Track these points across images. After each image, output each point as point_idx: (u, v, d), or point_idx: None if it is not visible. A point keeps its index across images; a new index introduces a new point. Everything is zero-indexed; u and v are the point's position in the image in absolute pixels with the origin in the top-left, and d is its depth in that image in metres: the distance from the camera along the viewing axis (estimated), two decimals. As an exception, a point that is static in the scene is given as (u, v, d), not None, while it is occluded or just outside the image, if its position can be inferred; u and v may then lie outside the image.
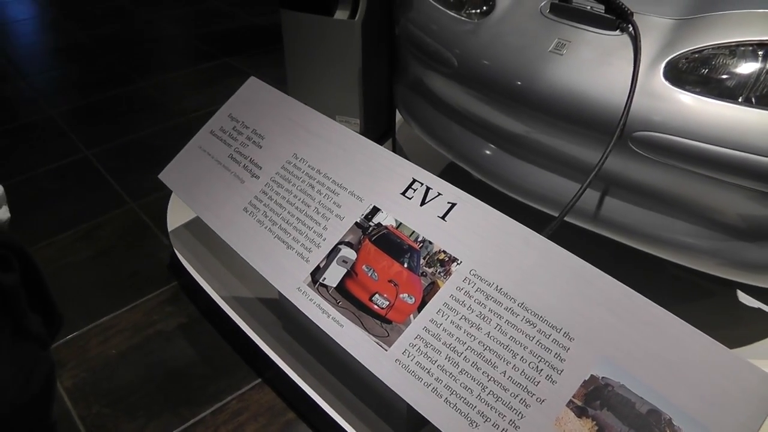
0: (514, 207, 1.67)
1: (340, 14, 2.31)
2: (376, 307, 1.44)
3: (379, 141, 2.57)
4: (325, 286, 1.52)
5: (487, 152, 1.83)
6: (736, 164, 1.46)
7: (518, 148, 1.76)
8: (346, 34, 2.32)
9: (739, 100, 1.48)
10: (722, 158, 1.46)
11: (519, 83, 1.66)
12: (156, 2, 4.81)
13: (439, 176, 1.58)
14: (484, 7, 1.89)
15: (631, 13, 1.61)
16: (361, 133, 2.49)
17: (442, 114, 1.97)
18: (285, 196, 1.75)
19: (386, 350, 1.37)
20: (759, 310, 1.96)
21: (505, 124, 1.74)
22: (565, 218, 1.69)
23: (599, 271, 1.34)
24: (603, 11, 1.65)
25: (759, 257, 1.59)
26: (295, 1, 2.38)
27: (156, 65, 3.85)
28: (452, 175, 1.98)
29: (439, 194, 1.54)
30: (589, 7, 1.68)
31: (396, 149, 2.42)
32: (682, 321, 1.28)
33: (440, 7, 1.98)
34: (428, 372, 1.32)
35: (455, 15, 1.92)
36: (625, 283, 1.32)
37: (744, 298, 1.99)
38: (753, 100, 1.48)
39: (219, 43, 4.10)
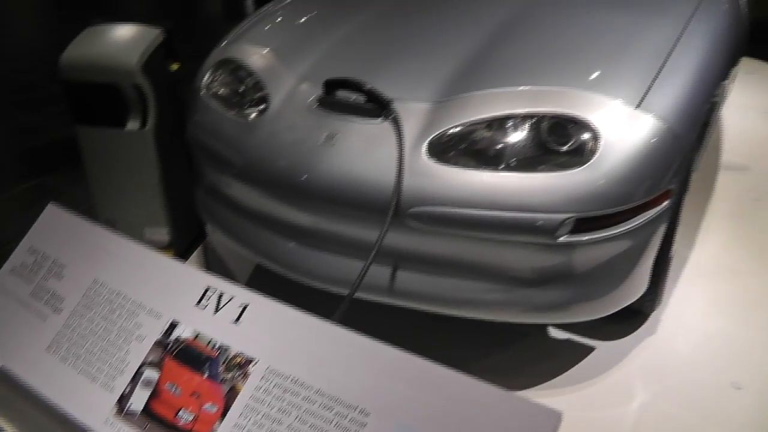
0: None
1: (132, 125, 2.41)
2: (182, 422, 1.51)
3: (192, 247, 2.68)
4: (132, 413, 1.58)
5: (283, 246, 1.96)
6: (505, 224, 1.68)
7: (310, 239, 1.91)
8: (140, 145, 2.41)
9: (501, 167, 1.73)
10: (492, 220, 1.68)
11: (296, 178, 1.82)
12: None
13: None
14: (260, 106, 2.07)
15: (390, 102, 1.84)
16: (170, 243, 2.59)
17: (236, 214, 2.10)
18: (87, 326, 1.80)
19: (195, 465, 1.45)
20: (568, 340, 2.21)
21: (291, 218, 1.89)
22: (367, 297, 1.86)
23: (387, 345, 1.49)
24: (365, 102, 1.87)
25: (547, 299, 1.82)
26: (88, 116, 2.46)
27: (-36, 196, 3.76)
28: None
29: (232, 298, 1.66)
30: (353, 99, 1.89)
31: (207, 254, 2.53)
32: (465, 375, 1.44)
33: (219, 108, 2.15)
34: (237, 479, 1.41)
35: (233, 116, 2.09)
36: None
37: (554, 332, 2.24)
38: (512, 165, 1.73)
39: (33, 161, 4.06)
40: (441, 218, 1.70)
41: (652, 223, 1.83)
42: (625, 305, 1.97)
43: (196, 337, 1.63)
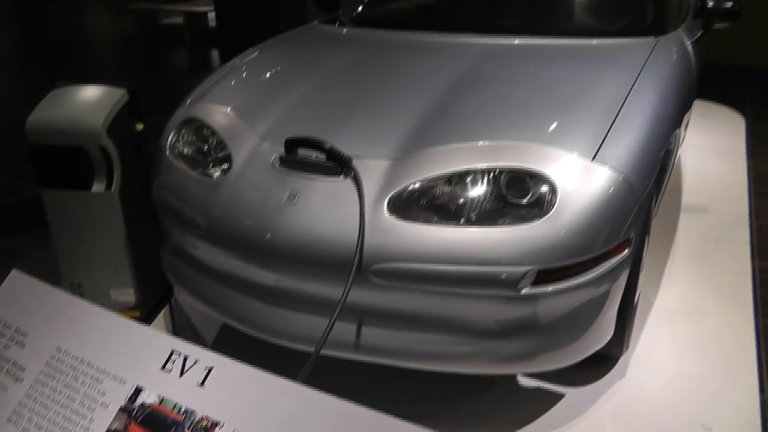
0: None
1: (98, 187, 2.40)
2: (147, 492, 1.49)
3: (158, 308, 2.66)
4: (95, 484, 1.54)
5: (248, 306, 1.95)
6: (468, 278, 1.70)
7: (275, 297, 1.90)
8: (106, 206, 2.40)
9: (462, 221, 1.75)
10: (454, 275, 1.70)
11: (260, 237, 1.83)
12: None
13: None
14: (224, 165, 2.08)
15: (350, 159, 1.86)
16: (136, 304, 2.57)
17: (203, 275, 2.09)
18: (50, 395, 1.77)
19: None
20: (538, 388, 2.21)
21: (256, 277, 1.89)
22: (333, 353, 1.85)
23: (352, 404, 1.48)
24: (326, 160, 1.89)
25: (513, 350, 1.83)
26: (54, 179, 2.45)
27: (-75, 263, 3.68)
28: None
29: (197, 361, 1.64)
30: (314, 157, 1.91)
31: (174, 315, 2.51)
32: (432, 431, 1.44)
33: (184, 168, 2.15)
34: None
35: (198, 176, 2.09)
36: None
37: (523, 380, 2.24)
38: (473, 219, 1.76)
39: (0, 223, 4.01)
40: (404, 274, 1.71)
41: (614, 271, 1.86)
42: (592, 352, 1.98)
43: (162, 401, 1.61)
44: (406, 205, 1.79)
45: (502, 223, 1.72)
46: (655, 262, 3.05)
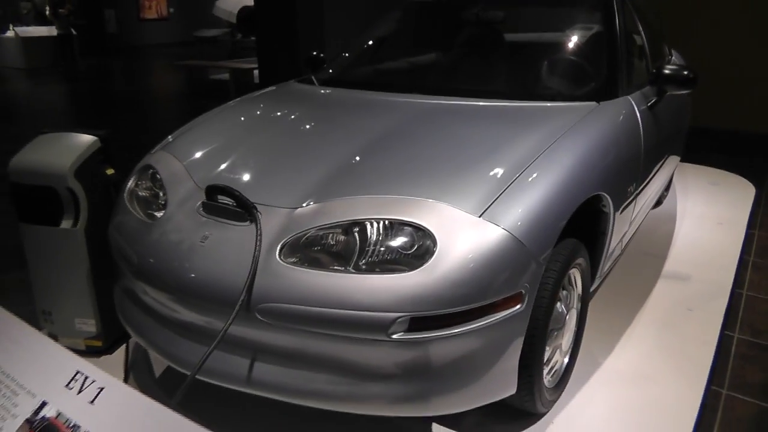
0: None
1: (65, 223, 2.69)
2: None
3: (120, 340, 2.91)
4: (-8, 486, 1.75)
5: (166, 338, 2.17)
6: (341, 321, 1.87)
7: (187, 331, 2.11)
8: (72, 242, 2.69)
9: (349, 268, 1.92)
10: (329, 317, 1.87)
11: (177, 275, 2.05)
12: None
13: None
14: (164, 211, 2.32)
15: (254, 207, 2.07)
16: (98, 334, 2.81)
17: (139, 310, 2.32)
18: (-24, 404, 2.00)
19: None
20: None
21: (171, 312, 2.11)
22: (228, 385, 2.02)
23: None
24: (236, 206, 2.11)
25: (400, 392, 1.96)
26: (29, 215, 2.76)
27: None
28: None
29: (94, 381, 1.85)
30: (230, 203, 2.14)
31: (128, 348, 2.72)
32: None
33: (134, 210, 2.41)
34: None
35: (143, 218, 2.34)
36: None
37: (437, 429, 2.34)
38: (363, 267, 1.92)
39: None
40: (286, 315, 1.89)
41: (503, 324, 1.97)
42: (490, 401, 2.08)
43: (58, 416, 1.82)
44: (297, 251, 1.98)
45: (379, 272, 1.88)
46: (615, 326, 3.10)
